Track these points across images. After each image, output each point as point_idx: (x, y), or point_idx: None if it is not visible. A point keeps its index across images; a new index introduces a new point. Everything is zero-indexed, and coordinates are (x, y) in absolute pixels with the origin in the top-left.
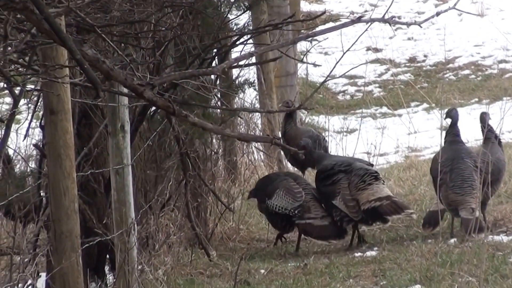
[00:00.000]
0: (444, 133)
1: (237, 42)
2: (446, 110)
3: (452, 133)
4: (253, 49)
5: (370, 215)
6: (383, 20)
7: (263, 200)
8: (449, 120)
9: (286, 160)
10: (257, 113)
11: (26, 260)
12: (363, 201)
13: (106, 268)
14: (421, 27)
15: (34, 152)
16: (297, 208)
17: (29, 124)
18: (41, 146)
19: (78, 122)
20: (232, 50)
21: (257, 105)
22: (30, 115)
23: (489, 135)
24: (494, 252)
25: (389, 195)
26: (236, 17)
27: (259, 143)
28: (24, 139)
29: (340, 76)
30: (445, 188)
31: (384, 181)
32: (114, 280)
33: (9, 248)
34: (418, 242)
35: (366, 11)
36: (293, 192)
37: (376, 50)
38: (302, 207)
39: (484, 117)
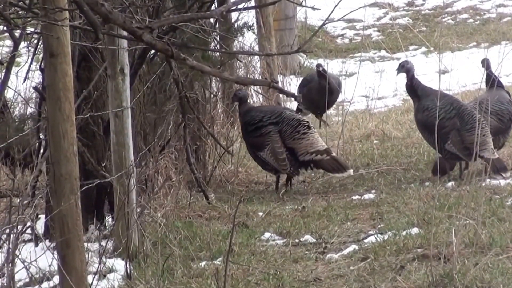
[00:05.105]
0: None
1: None
2: (399, 63)
3: (417, 84)
4: None
5: (305, 166)
6: None
7: None
8: (403, 75)
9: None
10: (256, 56)
11: (25, 202)
12: (301, 151)
13: (105, 210)
14: None
15: (34, 95)
16: None
17: (29, 66)
18: (40, 88)
19: (77, 65)
20: None
21: (256, 49)
22: (30, 57)
23: (490, 79)
24: (491, 196)
25: (327, 148)
26: None
27: (258, 86)
28: (24, 81)
29: (339, 20)
30: (456, 132)
31: (315, 130)
32: (113, 222)
33: (8, 190)
34: (416, 185)
35: None
36: None
37: None
38: None
39: (487, 63)
